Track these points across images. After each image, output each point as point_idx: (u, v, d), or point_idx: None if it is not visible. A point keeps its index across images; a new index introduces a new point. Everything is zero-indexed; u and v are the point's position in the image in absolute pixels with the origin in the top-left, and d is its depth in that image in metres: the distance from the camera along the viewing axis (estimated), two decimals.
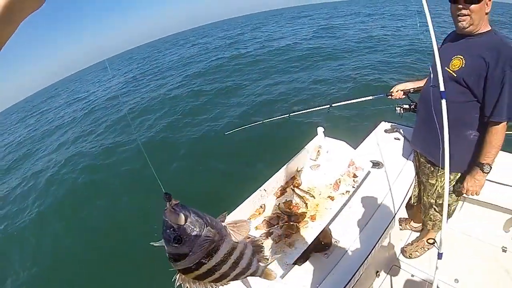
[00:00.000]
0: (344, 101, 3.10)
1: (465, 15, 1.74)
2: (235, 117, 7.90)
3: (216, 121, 7.94)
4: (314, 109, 3.22)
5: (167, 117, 9.81)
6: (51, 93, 52.97)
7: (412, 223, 2.88)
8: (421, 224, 2.82)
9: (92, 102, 19.75)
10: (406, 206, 2.87)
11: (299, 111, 3.25)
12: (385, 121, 3.31)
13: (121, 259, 4.47)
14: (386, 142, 3.00)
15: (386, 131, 3.15)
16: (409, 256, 2.64)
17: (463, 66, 1.82)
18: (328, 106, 3.08)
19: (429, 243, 2.62)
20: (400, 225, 2.89)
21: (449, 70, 1.88)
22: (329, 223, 2.01)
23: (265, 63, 14.13)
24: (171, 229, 0.74)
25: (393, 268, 2.61)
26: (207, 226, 0.79)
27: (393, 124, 3.21)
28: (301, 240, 1.90)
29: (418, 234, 2.85)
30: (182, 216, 0.75)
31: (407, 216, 2.97)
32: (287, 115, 3.32)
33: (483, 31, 1.79)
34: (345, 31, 18.75)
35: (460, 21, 1.77)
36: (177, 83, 15.07)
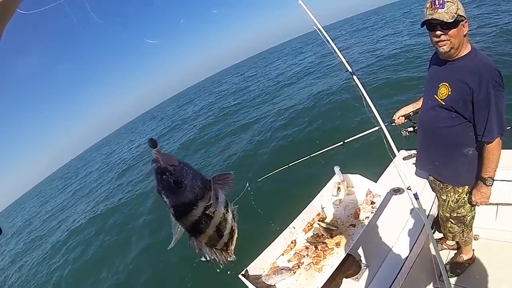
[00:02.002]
0: (353, 136, 3.41)
1: (445, 41, 1.85)
2: (259, 162, 8.48)
3: (243, 167, 8.51)
4: (329, 148, 3.56)
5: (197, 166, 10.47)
6: (86, 159, 58.54)
7: (447, 242, 2.94)
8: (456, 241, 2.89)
9: (124, 161, 21.83)
10: (436, 226, 3.10)
11: (318, 152, 3.60)
12: (402, 149, 3.57)
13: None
14: (405, 169, 3.27)
15: (404, 158, 3.44)
16: (450, 276, 2.67)
17: (449, 94, 1.96)
18: (342, 143, 3.41)
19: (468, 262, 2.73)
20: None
21: (437, 98, 2.04)
22: (353, 247, 2.32)
23: (277, 102, 14.82)
24: (168, 173, 0.70)
25: None
26: (196, 171, 0.77)
27: (411, 150, 3.49)
28: (328, 265, 2.22)
29: (456, 252, 2.86)
30: (174, 157, 0.73)
31: (441, 236, 3.01)
32: (308, 157, 3.68)
33: (464, 53, 1.92)
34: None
35: (440, 47, 1.89)
36: (198, 133, 16.19)
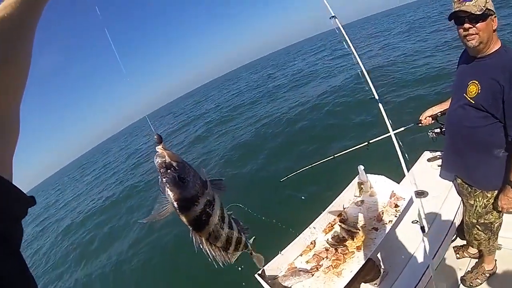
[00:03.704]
0: (378, 137, 3.36)
1: (473, 34, 1.84)
2: (283, 161, 8.37)
3: (266, 167, 8.50)
4: (354, 148, 3.52)
5: (217, 168, 10.46)
6: (103, 150, 60.20)
7: (469, 249, 2.88)
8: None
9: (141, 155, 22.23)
10: (459, 233, 3.03)
11: (342, 152, 3.57)
12: (427, 150, 3.52)
13: None
14: (429, 171, 3.20)
15: (429, 159, 3.36)
16: (470, 285, 2.62)
17: (479, 92, 1.93)
18: (366, 143, 3.38)
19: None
20: (457, 253, 2.92)
21: (467, 96, 2.01)
22: (374, 252, 2.27)
23: (297, 100, 14.61)
24: (172, 168, 0.74)
25: None
26: (195, 170, 0.82)
27: (436, 151, 3.41)
28: (348, 269, 2.19)
29: (477, 260, 2.80)
30: (177, 155, 0.78)
31: (463, 243, 2.99)
32: (332, 157, 3.66)
33: (494, 50, 1.90)
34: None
35: (469, 41, 1.88)
36: (217, 131, 15.97)
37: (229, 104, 23.23)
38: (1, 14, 0.62)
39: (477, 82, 1.95)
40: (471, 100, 1.99)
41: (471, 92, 1.98)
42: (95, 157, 56.18)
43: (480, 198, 2.27)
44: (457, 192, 2.66)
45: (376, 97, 2.48)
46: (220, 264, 0.88)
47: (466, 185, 2.35)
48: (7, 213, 0.52)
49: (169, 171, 0.74)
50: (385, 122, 2.40)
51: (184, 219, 0.78)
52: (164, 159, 0.74)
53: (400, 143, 2.37)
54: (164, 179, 0.74)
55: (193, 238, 0.82)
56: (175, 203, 0.75)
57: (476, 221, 2.41)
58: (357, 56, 2.55)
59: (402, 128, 3.23)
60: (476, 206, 2.33)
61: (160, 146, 0.76)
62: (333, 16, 2.66)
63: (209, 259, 0.85)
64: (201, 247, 0.83)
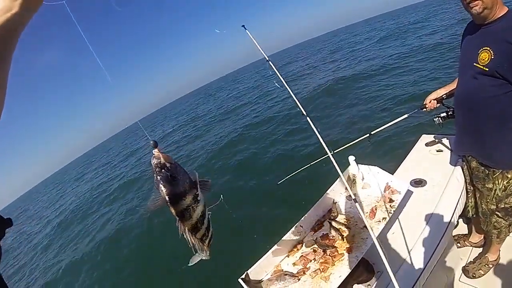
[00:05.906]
0: (381, 127, 3.19)
1: (476, 0, 1.78)
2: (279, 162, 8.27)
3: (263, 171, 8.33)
4: (355, 141, 3.35)
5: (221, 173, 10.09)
6: (105, 148, 61.59)
7: (471, 238, 2.79)
8: (482, 238, 2.74)
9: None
10: (464, 221, 2.86)
11: (342, 147, 3.38)
12: (425, 134, 3.32)
13: None
14: (428, 156, 3.00)
15: (427, 144, 3.15)
16: (473, 276, 2.53)
17: (492, 57, 1.82)
18: (368, 135, 3.20)
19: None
20: (458, 243, 2.82)
21: (478, 65, 1.89)
22: (365, 254, 2.12)
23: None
24: (166, 168, 0.88)
25: None
26: (185, 171, 0.95)
27: (435, 135, 3.21)
28: (337, 274, 2.03)
29: (480, 250, 2.73)
30: (171, 158, 0.91)
31: (465, 232, 2.90)
32: (332, 153, 3.53)
33: (501, 14, 1.81)
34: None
35: (472, 8, 1.80)
36: (214, 136, 15.75)
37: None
38: None
39: (488, 48, 1.84)
40: (484, 68, 1.87)
41: (483, 60, 1.87)
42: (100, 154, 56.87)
43: (499, 180, 2.13)
44: (470, 178, 2.45)
45: (304, 112, 2.46)
46: (198, 252, 1.04)
47: (483, 168, 2.19)
48: None
49: (163, 170, 0.87)
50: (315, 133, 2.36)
51: (172, 210, 0.91)
52: (159, 160, 0.87)
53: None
54: (158, 177, 0.87)
55: (179, 226, 0.95)
56: (166, 197, 0.88)
57: (495, 206, 2.25)
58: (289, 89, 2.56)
59: (406, 116, 3.07)
60: (496, 189, 2.18)
61: (156, 150, 0.87)
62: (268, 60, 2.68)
63: (189, 246, 0.99)
64: (184, 235, 0.96)
